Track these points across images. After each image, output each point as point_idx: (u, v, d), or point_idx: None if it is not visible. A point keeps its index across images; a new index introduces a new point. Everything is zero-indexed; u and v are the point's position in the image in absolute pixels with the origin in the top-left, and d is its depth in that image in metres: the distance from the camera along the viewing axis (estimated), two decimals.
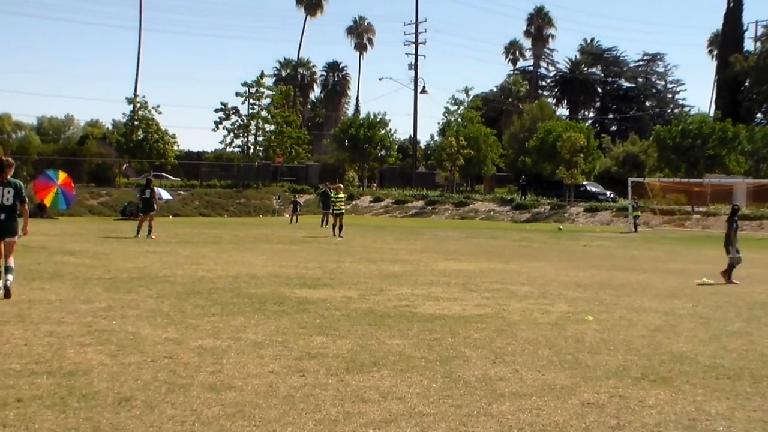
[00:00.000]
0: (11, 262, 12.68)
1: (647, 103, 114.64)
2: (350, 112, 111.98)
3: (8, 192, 12.66)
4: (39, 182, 47.77)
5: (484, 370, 8.40)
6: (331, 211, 34.59)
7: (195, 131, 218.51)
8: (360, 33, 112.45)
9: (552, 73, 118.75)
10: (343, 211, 32.47)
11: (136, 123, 70.46)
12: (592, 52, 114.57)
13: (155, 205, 29.82)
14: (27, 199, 13.22)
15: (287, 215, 53.50)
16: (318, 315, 11.78)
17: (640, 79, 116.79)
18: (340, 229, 32.25)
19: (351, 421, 6.46)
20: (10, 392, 6.95)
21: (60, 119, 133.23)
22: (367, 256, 23.18)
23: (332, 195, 33.17)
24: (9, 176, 12.73)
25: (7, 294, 12.29)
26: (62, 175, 47.16)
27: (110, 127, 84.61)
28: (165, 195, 53.60)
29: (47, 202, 46.64)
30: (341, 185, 33.71)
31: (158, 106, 71.42)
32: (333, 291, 14.69)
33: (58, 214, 48.21)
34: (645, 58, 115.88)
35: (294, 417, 6.54)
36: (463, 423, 6.52)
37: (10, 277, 12.47)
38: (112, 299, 12.70)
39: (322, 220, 41.13)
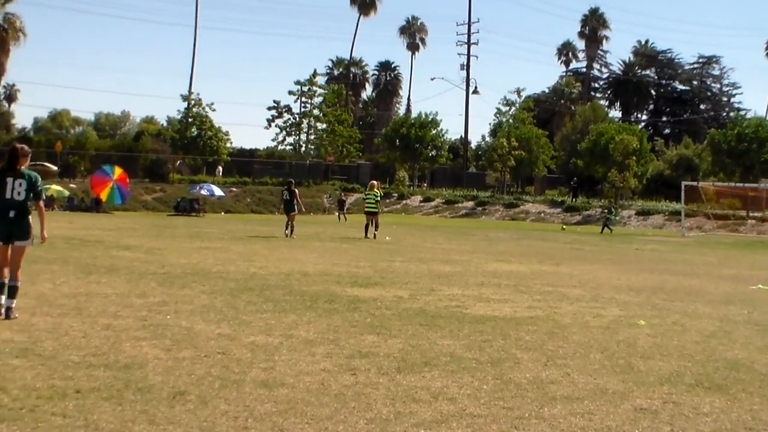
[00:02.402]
0: (17, 279, 10.33)
1: (702, 106, 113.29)
2: (402, 111, 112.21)
3: (20, 185, 10.35)
4: (96, 177, 48.79)
5: (535, 372, 8.37)
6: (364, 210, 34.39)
7: (248, 129, 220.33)
8: (413, 33, 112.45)
9: (605, 75, 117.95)
10: (377, 210, 31.72)
11: (190, 120, 71.20)
12: (646, 54, 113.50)
13: (297, 206, 30.56)
14: (44, 196, 11.03)
15: (336, 213, 53.74)
16: (369, 314, 11.82)
17: (694, 82, 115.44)
18: (376, 228, 31.27)
19: (402, 421, 6.48)
20: (69, 383, 7.08)
21: (116, 115, 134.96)
22: (418, 255, 23.20)
23: (364, 193, 32.94)
24: (24, 167, 10.52)
25: (8, 316, 9.97)
26: (118, 171, 48.09)
27: (165, 124, 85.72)
28: (217, 192, 54.06)
29: (103, 196, 47.62)
30: (374, 183, 33.66)
31: (212, 104, 72.24)
32: (384, 290, 14.73)
33: (113, 208, 48.92)
34: (700, 60, 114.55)
35: (345, 415, 6.58)
36: (515, 425, 6.51)
37: (12, 303, 10.15)
38: (166, 294, 12.85)
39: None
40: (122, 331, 9.56)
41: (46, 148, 67.06)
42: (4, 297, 10.15)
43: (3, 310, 10.01)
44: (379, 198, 31.91)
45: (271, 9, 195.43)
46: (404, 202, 67.36)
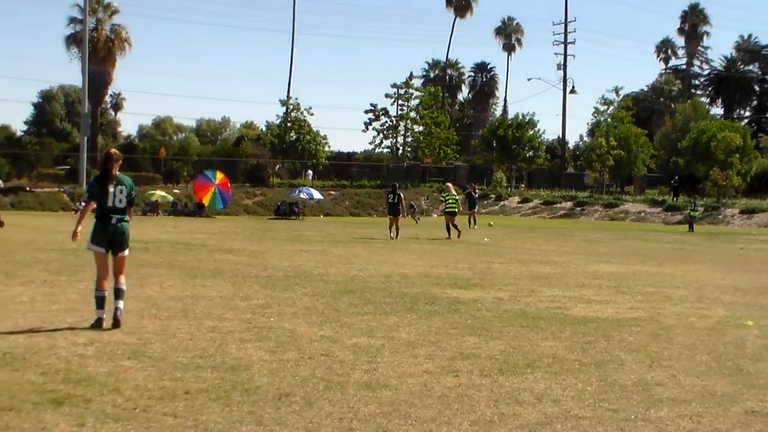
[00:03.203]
0: (122, 283, 10.24)
1: None
2: (498, 112, 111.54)
3: (121, 192, 10.21)
4: (198, 182, 49.72)
5: (640, 374, 8.27)
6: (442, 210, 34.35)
7: (345, 132, 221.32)
8: (508, 33, 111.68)
9: (706, 72, 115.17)
10: (455, 210, 31.68)
11: (289, 124, 72.01)
12: (749, 50, 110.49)
13: (402, 209, 30.93)
14: (135, 203, 10.77)
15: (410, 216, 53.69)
16: (470, 315, 11.82)
17: None
18: (455, 228, 31.25)
19: (506, 423, 6.48)
20: (178, 384, 7.26)
21: (217, 121, 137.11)
22: (517, 257, 23.08)
23: (443, 196, 32.76)
24: (116, 171, 10.32)
25: (117, 324, 9.88)
26: (219, 176, 48.92)
27: (264, 129, 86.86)
28: (316, 195, 54.56)
29: (205, 201, 48.47)
30: (450, 185, 33.98)
31: (310, 108, 72.92)
32: (484, 292, 14.70)
33: (215, 213, 49.78)
34: None
35: (449, 417, 6.60)
36: (621, 428, 6.45)
37: (120, 304, 10.07)
38: (269, 297, 13.05)
39: (469, 220, 41.19)
40: (228, 333, 9.76)
41: (150, 155, 68.64)
42: (104, 310, 10.00)
43: (112, 314, 9.93)
44: (457, 198, 32.15)
45: (367, 13, 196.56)
46: (502, 203, 67.00)
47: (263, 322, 10.62)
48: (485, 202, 65.30)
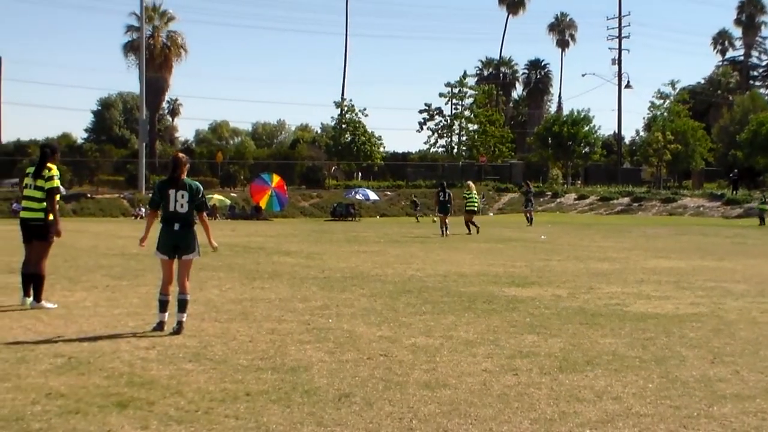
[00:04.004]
0: (186, 292, 10.10)
1: None
2: (553, 109, 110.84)
3: (182, 196, 10.09)
4: (255, 185, 50.18)
5: (702, 370, 8.18)
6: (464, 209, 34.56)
7: (400, 132, 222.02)
8: (562, 29, 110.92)
9: (764, 63, 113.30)
10: (476, 209, 32.68)
11: (343, 126, 72.26)
12: None
13: (450, 207, 31.61)
14: (207, 207, 11.03)
15: (416, 216, 53.47)
16: (528, 313, 11.78)
17: None
18: (474, 225, 32.06)
19: (567, 421, 6.45)
20: (239, 386, 7.33)
21: (273, 124, 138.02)
22: (574, 254, 22.93)
23: (465, 194, 33.00)
24: (184, 176, 10.26)
25: (179, 330, 9.84)
26: (276, 179, 49.30)
27: (319, 131, 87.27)
28: (372, 196, 54.70)
29: (262, 204, 48.89)
30: (471, 183, 34.65)
31: (365, 109, 73.21)
32: (542, 289, 14.64)
33: (272, 215, 50.14)
34: None
35: (509, 416, 6.59)
36: (684, 425, 6.38)
37: (183, 317, 10.01)
38: (327, 298, 13.12)
39: (527, 218, 41.08)
40: (287, 335, 9.83)
41: (207, 159, 69.32)
42: (166, 314, 10.06)
43: (174, 325, 9.93)
44: (477, 197, 33.32)
45: (420, 13, 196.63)
46: (558, 200, 66.60)
47: (322, 324, 10.69)
48: (541, 199, 64.97)
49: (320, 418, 6.44)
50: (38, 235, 11.79)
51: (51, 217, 11.76)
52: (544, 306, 12.51)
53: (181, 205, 10.06)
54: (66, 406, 6.61)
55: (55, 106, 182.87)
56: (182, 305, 10.00)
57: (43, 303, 11.62)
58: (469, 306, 12.41)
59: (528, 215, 41.40)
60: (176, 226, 10.05)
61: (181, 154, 10.59)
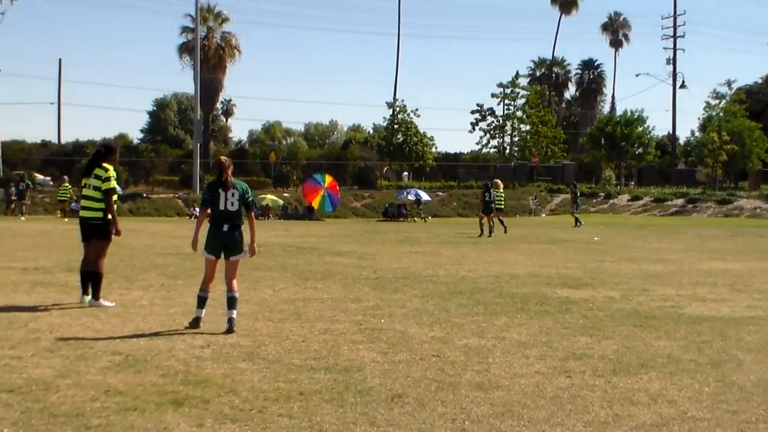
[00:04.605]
0: (234, 290, 10.27)
1: None
2: (606, 109, 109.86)
3: (232, 195, 10.27)
4: (308, 186, 50.43)
5: (760, 374, 8.08)
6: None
7: (452, 133, 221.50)
8: (615, 29, 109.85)
9: None
10: (502, 207, 33.07)
11: (395, 126, 72.27)
12: None
13: (493, 206, 31.73)
14: (255, 207, 11.13)
15: (418, 216, 53.02)
16: (581, 315, 11.73)
17: None
18: (502, 223, 32.66)
19: (621, 424, 6.42)
20: (293, 386, 7.39)
21: (325, 125, 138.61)
22: (627, 255, 22.74)
23: (492, 190, 33.20)
24: (231, 177, 10.42)
25: (230, 331, 9.92)
26: (328, 179, 49.50)
27: (371, 131, 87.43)
28: (424, 196, 54.68)
29: (315, 204, 49.11)
30: (498, 181, 34.55)
31: (416, 110, 73.08)
32: (594, 291, 14.55)
33: (324, 216, 50.32)
34: None
35: (562, 418, 6.57)
36: (741, 430, 6.32)
37: (234, 313, 10.16)
38: (379, 298, 13.16)
39: (576, 219, 40.90)
40: (340, 335, 9.88)
41: (260, 160, 69.79)
42: (203, 310, 10.27)
43: (227, 323, 10.06)
44: (503, 196, 33.36)
45: (472, 13, 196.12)
46: (611, 201, 65.98)
47: (374, 324, 10.73)
48: (594, 200, 64.54)
49: (373, 418, 6.48)
50: (97, 234, 11.98)
51: (110, 216, 11.96)
52: (597, 308, 12.45)
53: (232, 204, 10.24)
54: (124, 403, 6.72)
55: (112, 106, 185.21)
56: (232, 303, 10.18)
57: (101, 301, 11.80)
58: (521, 307, 12.38)
59: (575, 217, 41.17)
60: (225, 227, 10.23)
61: (224, 157, 10.90)
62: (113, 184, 12.05)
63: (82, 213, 12.18)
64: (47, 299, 12.12)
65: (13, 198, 46.17)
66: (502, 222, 32.70)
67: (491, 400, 7.06)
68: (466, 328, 10.51)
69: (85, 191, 12.16)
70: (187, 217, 49.27)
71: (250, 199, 10.53)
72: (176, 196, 55.37)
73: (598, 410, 6.78)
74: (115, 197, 12.15)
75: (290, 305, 12.25)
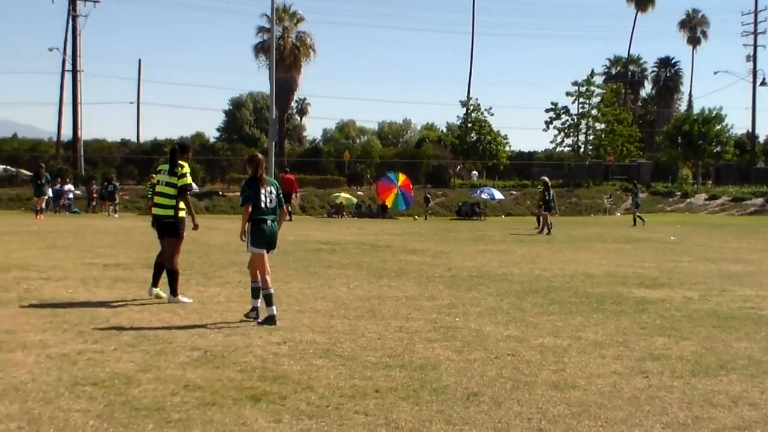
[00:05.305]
0: (270, 285, 10.62)
1: None
2: (683, 107, 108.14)
3: (270, 192, 10.73)
4: (381, 184, 50.59)
5: None
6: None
7: (526, 132, 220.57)
8: (693, 26, 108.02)
9: None
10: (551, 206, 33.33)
11: (469, 125, 72.09)
12: None
13: (553, 204, 32.89)
14: (285, 199, 11.70)
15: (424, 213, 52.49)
16: (658, 315, 11.59)
17: None
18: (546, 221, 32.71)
19: (700, 426, 6.34)
20: (368, 383, 7.44)
21: (398, 124, 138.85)
22: (705, 255, 22.39)
23: (539, 189, 33.32)
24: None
25: (274, 322, 10.29)
26: (402, 177, 49.60)
27: (445, 130, 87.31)
28: (497, 195, 54.46)
29: (388, 203, 49.22)
30: (546, 179, 34.67)
31: (490, 108, 72.79)
32: (672, 291, 14.37)
33: (398, 214, 50.40)
34: None
35: (640, 419, 6.51)
36: None
37: (274, 309, 10.43)
38: (454, 297, 13.15)
39: (640, 218, 40.37)
40: (414, 333, 9.91)
41: (334, 158, 70.15)
42: (261, 302, 10.57)
43: (272, 318, 10.34)
44: (541, 193, 33.55)
45: (547, 12, 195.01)
46: (688, 200, 64.91)
47: (449, 322, 10.73)
48: (670, 199, 63.64)
49: (449, 417, 6.49)
50: (168, 232, 12.16)
51: (182, 213, 12.12)
52: (674, 308, 12.30)
53: (270, 200, 10.69)
54: (203, 398, 6.83)
55: (190, 106, 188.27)
56: (270, 299, 10.48)
57: (180, 297, 11.99)
58: (597, 307, 12.28)
59: (636, 216, 40.59)
60: (269, 222, 10.68)
61: (260, 154, 11.28)
62: (188, 180, 12.22)
63: (155, 210, 12.37)
64: (128, 295, 12.35)
65: (94, 196, 47.13)
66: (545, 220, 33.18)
67: (567, 399, 7.02)
68: (541, 327, 10.47)
69: (158, 188, 12.35)
70: None
71: (281, 194, 10.96)
72: None
73: (677, 412, 6.70)
74: (189, 194, 12.31)
75: (365, 303, 12.31)
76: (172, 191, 12.10)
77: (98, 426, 6.12)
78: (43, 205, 37.87)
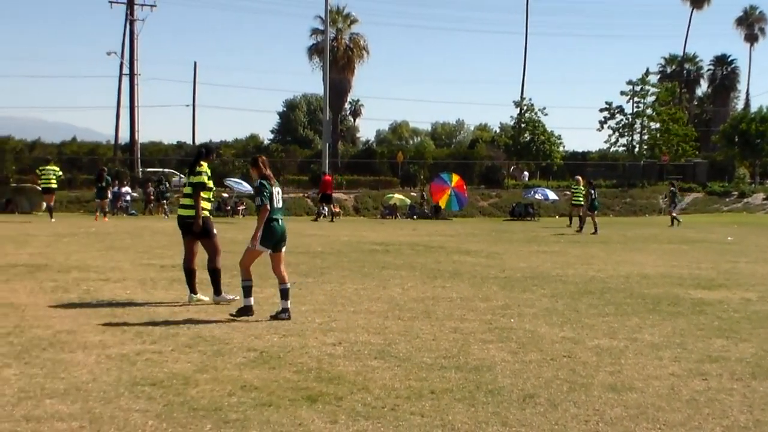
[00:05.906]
0: (287, 280, 11.13)
1: None
2: (740, 106, 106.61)
3: (278, 194, 11.16)
4: (435, 185, 50.51)
5: None
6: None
7: (579, 131, 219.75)
8: (750, 23, 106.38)
9: None
10: (582, 203, 34.02)
11: (522, 125, 71.77)
12: None
13: (599, 205, 33.95)
14: None
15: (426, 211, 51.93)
16: (715, 317, 11.46)
17: None
18: (582, 221, 33.53)
19: (763, 430, 6.26)
20: (424, 384, 7.45)
21: (452, 124, 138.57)
22: (764, 256, 22.07)
23: (572, 187, 33.22)
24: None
25: (288, 316, 10.82)
26: (455, 178, 49.47)
27: (498, 131, 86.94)
28: (551, 196, 54.15)
29: (442, 203, 49.14)
30: (579, 178, 35.86)
31: (544, 108, 72.40)
32: (729, 292, 14.19)
33: (451, 215, 50.32)
34: None
35: (699, 422, 6.45)
36: None
37: (288, 303, 10.96)
38: (508, 297, 13.12)
39: (676, 218, 39.93)
40: (469, 334, 9.90)
41: (388, 159, 70.19)
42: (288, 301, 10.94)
43: (287, 313, 10.80)
44: (585, 192, 33.95)
45: (600, 11, 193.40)
46: (745, 200, 63.95)
47: (504, 323, 10.71)
48: (727, 200, 62.78)
49: (505, 418, 6.48)
50: (198, 233, 12.22)
51: (206, 213, 12.17)
52: (732, 309, 12.15)
53: (278, 201, 11.12)
54: (259, 399, 6.89)
55: (244, 108, 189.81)
56: (286, 294, 10.93)
57: (224, 295, 12.12)
58: (653, 308, 12.17)
59: (672, 216, 40.09)
60: (281, 221, 11.13)
61: (263, 156, 11.59)
62: (203, 178, 12.22)
63: (179, 211, 12.48)
64: (184, 296, 12.45)
65: (151, 198, 47.68)
66: (581, 219, 33.76)
67: (625, 401, 6.98)
68: (597, 329, 10.40)
69: (184, 189, 12.53)
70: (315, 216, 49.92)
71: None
72: (305, 195, 56.14)
73: (738, 415, 6.63)
74: (207, 194, 12.31)
75: (419, 304, 12.32)
76: (191, 191, 12.24)
77: (157, 426, 6.20)
78: (106, 207, 38.43)
